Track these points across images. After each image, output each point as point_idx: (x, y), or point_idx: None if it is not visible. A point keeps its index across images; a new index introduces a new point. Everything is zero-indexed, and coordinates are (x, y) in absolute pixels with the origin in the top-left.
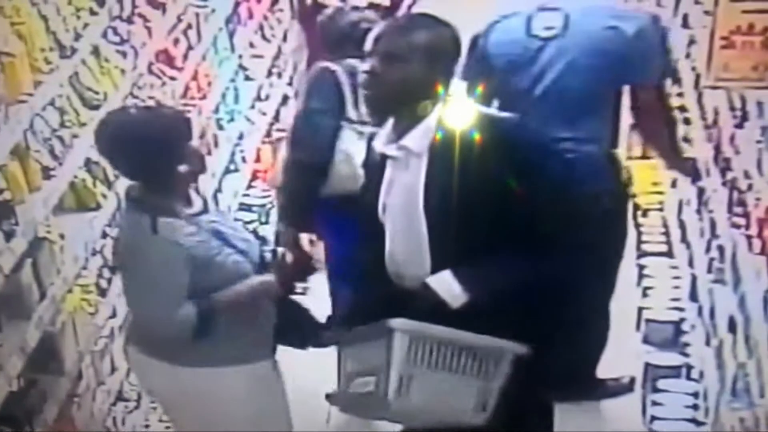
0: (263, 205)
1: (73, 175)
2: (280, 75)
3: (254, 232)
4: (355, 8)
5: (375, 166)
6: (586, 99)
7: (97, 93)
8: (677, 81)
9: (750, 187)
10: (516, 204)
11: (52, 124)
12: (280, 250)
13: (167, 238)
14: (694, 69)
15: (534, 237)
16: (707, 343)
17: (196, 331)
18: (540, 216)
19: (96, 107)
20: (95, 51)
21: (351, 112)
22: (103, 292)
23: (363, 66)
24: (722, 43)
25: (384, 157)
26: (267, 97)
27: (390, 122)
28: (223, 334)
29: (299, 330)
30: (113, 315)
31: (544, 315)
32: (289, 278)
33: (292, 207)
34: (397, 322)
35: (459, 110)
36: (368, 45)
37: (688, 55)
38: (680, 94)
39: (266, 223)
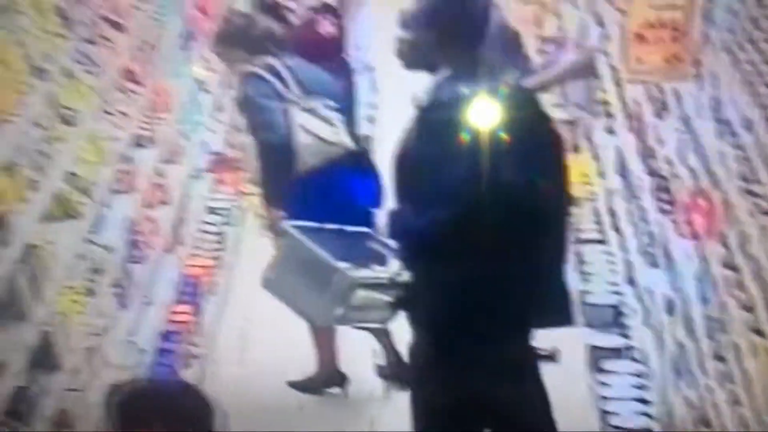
0: (228, 209)
1: (57, 187)
2: (231, 86)
3: None
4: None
5: None
6: None
7: (72, 110)
8: (597, 76)
9: (673, 174)
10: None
11: (36, 140)
12: None
13: None
14: (611, 65)
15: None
16: (646, 324)
17: None
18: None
19: (71, 123)
20: (67, 72)
21: (288, 95)
22: (90, 293)
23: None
24: (635, 38)
25: None
26: (222, 108)
27: None
28: None
29: None
30: (101, 314)
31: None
32: None
33: (273, 188)
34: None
35: None
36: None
37: (605, 52)
38: (602, 89)
39: (231, 225)
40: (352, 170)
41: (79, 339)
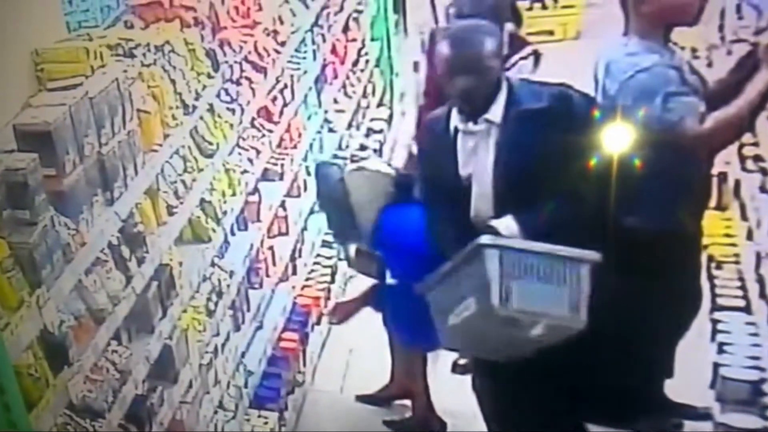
0: None
1: (191, 213)
2: (358, 127)
3: None
4: None
5: (447, 145)
6: None
7: (211, 144)
8: (752, 129)
9: None
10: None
11: (177, 169)
12: None
13: None
14: None
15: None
16: None
17: None
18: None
19: (210, 155)
20: (211, 108)
21: None
22: (210, 314)
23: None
24: None
25: (455, 133)
26: (347, 147)
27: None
28: None
29: None
30: (217, 333)
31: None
32: None
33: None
34: (485, 238)
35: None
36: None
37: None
38: (755, 144)
39: (344, 259)
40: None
41: (195, 355)
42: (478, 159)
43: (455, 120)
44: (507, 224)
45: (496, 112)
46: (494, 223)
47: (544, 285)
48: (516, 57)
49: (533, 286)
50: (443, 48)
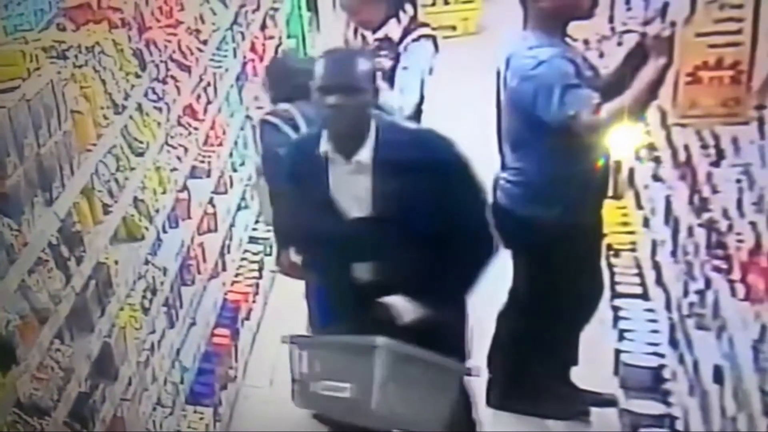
0: (268, 239)
1: (125, 211)
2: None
3: None
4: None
5: (318, 167)
6: None
7: (141, 142)
8: (643, 119)
9: (730, 228)
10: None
11: (111, 168)
12: None
13: None
14: (659, 106)
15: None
16: (691, 393)
17: None
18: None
19: (141, 154)
20: (139, 107)
21: None
22: (145, 311)
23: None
24: (688, 79)
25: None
26: None
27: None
28: None
29: None
30: (153, 331)
31: None
32: None
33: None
34: (381, 340)
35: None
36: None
37: None
38: (648, 132)
39: (270, 254)
40: None
41: (133, 353)
42: (349, 190)
43: (325, 145)
44: (404, 306)
45: (366, 152)
46: (387, 301)
47: (423, 391)
48: (408, 39)
49: (413, 392)
50: (320, 65)
